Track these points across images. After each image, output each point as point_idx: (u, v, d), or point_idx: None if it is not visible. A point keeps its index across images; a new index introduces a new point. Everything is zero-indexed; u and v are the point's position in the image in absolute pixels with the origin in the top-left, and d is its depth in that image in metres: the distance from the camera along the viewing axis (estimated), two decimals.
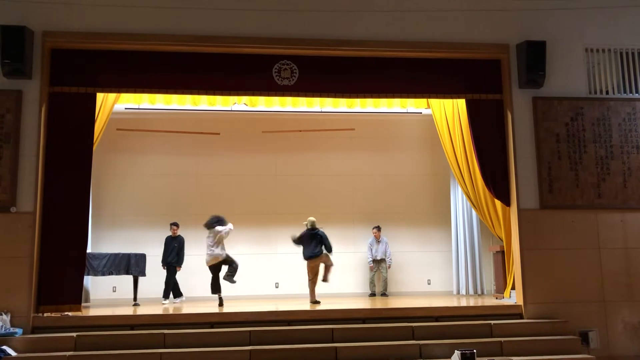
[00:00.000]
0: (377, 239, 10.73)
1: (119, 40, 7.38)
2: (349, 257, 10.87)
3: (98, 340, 6.47)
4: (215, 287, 8.81)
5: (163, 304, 9.45)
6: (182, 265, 9.87)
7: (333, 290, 9.79)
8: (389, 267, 10.67)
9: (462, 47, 7.86)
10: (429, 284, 11.02)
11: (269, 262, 10.79)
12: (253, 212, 10.79)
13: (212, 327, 6.91)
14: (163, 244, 9.90)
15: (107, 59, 7.51)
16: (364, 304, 8.61)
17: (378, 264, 10.68)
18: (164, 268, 9.76)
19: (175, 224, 9.97)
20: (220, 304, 8.59)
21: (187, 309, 8.16)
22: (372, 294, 10.65)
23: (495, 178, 7.90)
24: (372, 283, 10.72)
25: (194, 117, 10.89)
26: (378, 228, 10.75)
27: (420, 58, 7.95)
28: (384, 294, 10.57)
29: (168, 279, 9.73)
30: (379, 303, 8.81)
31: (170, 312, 7.64)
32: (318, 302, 8.62)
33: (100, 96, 7.90)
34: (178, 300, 9.76)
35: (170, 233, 9.95)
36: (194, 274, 10.15)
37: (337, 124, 11.10)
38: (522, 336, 6.88)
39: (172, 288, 9.74)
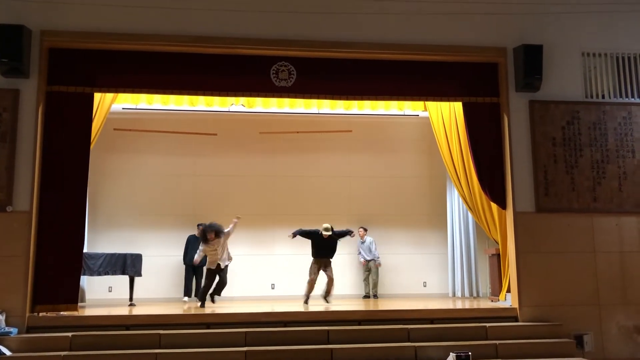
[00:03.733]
0: (362, 239, 10.75)
1: (117, 40, 7.37)
2: (344, 259, 10.87)
3: (93, 340, 6.46)
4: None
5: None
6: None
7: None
8: (379, 266, 10.64)
9: (460, 50, 7.87)
10: (425, 286, 11.04)
11: (265, 263, 10.80)
12: (250, 213, 10.76)
13: (207, 328, 6.90)
14: (185, 242, 10.17)
15: (105, 58, 7.49)
16: (359, 305, 8.62)
17: (368, 263, 10.72)
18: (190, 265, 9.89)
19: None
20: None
21: (183, 309, 8.16)
22: (366, 296, 10.67)
23: (492, 181, 7.92)
24: (365, 283, 10.74)
25: (191, 118, 10.88)
26: (364, 229, 10.79)
27: (418, 61, 7.96)
28: (374, 296, 10.57)
29: (195, 276, 9.98)
30: (374, 305, 8.82)
31: (170, 312, 7.63)
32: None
33: (97, 96, 7.87)
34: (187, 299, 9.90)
35: (195, 233, 10.04)
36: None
37: (335, 125, 11.11)
38: (517, 339, 6.90)
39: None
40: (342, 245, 10.74)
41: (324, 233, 8.96)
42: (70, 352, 6.24)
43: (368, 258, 10.71)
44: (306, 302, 8.79)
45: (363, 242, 10.78)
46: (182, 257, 10.26)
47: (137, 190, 10.77)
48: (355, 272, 10.97)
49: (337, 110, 10.43)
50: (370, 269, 10.69)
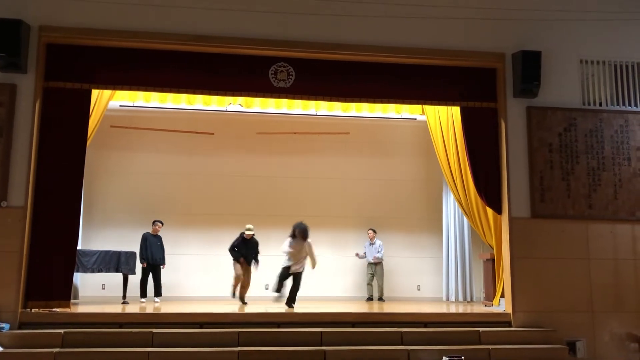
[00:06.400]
0: (371, 241, 10.74)
1: (115, 37, 7.36)
2: (340, 261, 10.88)
3: (86, 337, 6.44)
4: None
5: (143, 301, 9.49)
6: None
7: (324, 293, 9.81)
8: (376, 266, 10.62)
9: (459, 54, 7.90)
10: (419, 289, 11.03)
11: (260, 264, 10.75)
12: (245, 213, 10.74)
13: (201, 327, 6.89)
14: (143, 240, 9.68)
15: (103, 55, 7.49)
16: (353, 307, 8.61)
17: (373, 267, 10.68)
18: (143, 265, 9.55)
19: (161, 222, 9.86)
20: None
21: (176, 308, 8.13)
22: (369, 298, 10.64)
23: (488, 186, 7.93)
24: (369, 286, 10.71)
25: (188, 117, 10.86)
26: (373, 230, 10.75)
27: (417, 64, 7.98)
28: (380, 299, 10.57)
29: (155, 276, 9.68)
30: (368, 307, 8.82)
31: (159, 311, 7.61)
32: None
33: (95, 92, 7.86)
34: (158, 299, 9.72)
35: (150, 230, 9.77)
36: (185, 274, 10.15)
37: (332, 127, 11.12)
38: (510, 344, 6.90)
39: (157, 285, 9.72)
40: (347, 246, 10.81)
41: (247, 233, 9.23)
42: (62, 349, 6.22)
43: (371, 260, 10.64)
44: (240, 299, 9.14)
45: (372, 244, 10.71)
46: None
47: (133, 188, 10.73)
48: (351, 275, 10.96)
49: (335, 112, 10.44)
50: (374, 272, 10.65)
